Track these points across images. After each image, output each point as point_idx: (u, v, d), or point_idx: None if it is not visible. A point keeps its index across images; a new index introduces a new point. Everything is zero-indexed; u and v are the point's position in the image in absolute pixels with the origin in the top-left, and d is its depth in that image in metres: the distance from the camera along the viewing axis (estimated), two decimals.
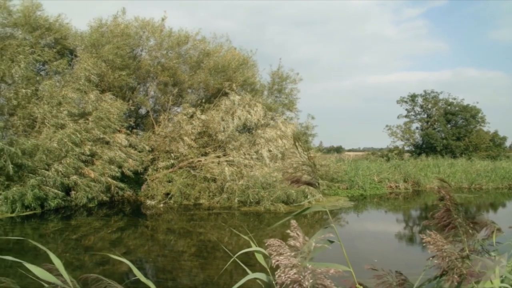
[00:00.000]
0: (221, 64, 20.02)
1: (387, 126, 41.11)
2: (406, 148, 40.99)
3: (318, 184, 2.24)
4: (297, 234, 2.01)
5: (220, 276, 6.99)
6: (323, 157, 23.24)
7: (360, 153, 45.41)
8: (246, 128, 19.96)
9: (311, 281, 1.62)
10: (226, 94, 18.79)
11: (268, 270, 2.13)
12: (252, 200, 15.36)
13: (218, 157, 17.62)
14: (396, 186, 22.85)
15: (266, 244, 1.92)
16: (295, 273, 1.65)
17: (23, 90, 15.04)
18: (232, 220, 13.62)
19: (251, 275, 2.20)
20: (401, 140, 40.71)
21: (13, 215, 12.72)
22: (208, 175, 16.75)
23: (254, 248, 2.38)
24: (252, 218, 13.87)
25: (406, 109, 42.87)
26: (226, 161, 17.02)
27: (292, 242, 1.95)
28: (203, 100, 19.94)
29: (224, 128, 17.77)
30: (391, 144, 40.84)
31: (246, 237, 2.70)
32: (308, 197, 15.93)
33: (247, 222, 13.30)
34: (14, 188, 12.91)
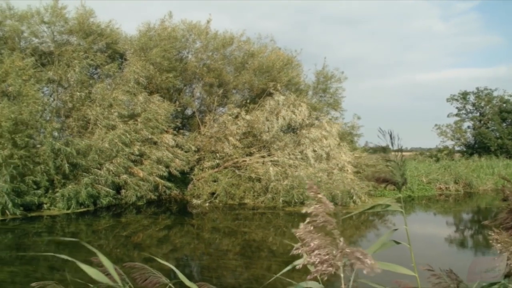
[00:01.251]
0: (266, 65, 20.10)
1: (436, 125, 39.74)
2: (457, 148, 39.40)
3: (403, 184, 2.04)
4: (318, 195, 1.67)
5: (264, 275, 7.04)
6: (369, 157, 22.75)
7: (408, 153, 43.98)
8: (290, 128, 19.92)
9: (343, 260, 1.46)
10: (270, 94, 18.85)
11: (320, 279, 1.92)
12: (296, 200, 15.31)
13: (263, 157, 17.71)
14: (446, 187, 21.97)
15: (297, 235, 1.67)
16: (325, 254, 1.48)
17: (78, 93, 15.84)
18: (276, 220, 13.66)
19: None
20: (451, 139, 39.17)
21: (68, 211, 13.43)
22: (253, 175, 16.88)
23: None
24: (296, 218, 13.82)
25: (457, 108, 41.15)
26: (271, 161, 17.07)
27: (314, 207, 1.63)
28: (248, 101, 20.10)
29: (268, 128, 17.83)
30: (440, 144, 39.44)
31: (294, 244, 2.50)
32: (354, 198, 15.70)
33: (292, 222, 13.29)
34: (70, 186, 13.64)
